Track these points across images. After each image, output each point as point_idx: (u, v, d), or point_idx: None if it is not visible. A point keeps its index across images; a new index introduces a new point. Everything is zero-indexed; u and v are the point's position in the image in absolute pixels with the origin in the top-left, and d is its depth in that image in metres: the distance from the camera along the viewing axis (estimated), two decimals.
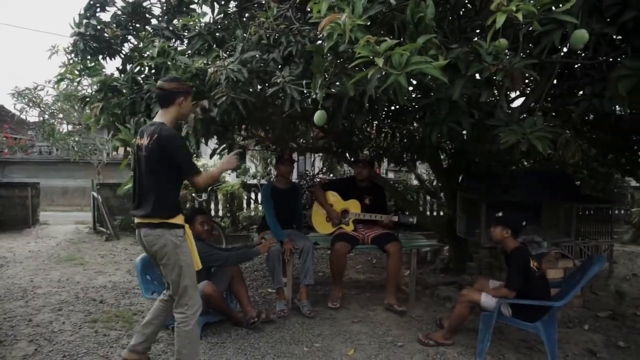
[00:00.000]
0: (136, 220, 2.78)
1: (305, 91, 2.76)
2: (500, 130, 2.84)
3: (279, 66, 3.17)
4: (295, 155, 5.73)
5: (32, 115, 22.82)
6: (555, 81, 3.78)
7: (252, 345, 3.49)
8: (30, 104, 14.65)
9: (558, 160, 5.73)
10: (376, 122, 5.10)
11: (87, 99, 4.30)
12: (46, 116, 15.23)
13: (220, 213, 9.00)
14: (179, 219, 2.73)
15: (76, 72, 4.22)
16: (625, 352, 3.49)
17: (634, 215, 9.56)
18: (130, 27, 4.73)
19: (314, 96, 2.53)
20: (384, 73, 1.88)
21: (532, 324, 3.16)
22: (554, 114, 4.55)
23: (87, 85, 5.04)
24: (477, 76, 2.63)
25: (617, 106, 3.38)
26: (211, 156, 5.21)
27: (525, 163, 6.19)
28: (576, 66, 3.58)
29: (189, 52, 3.86)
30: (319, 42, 2.79)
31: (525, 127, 2.85)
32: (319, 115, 2.55)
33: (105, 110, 3.94)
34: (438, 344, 3.50)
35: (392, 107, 4.51)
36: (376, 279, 5.67)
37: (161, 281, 3.94)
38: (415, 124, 4.69)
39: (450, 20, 2.49)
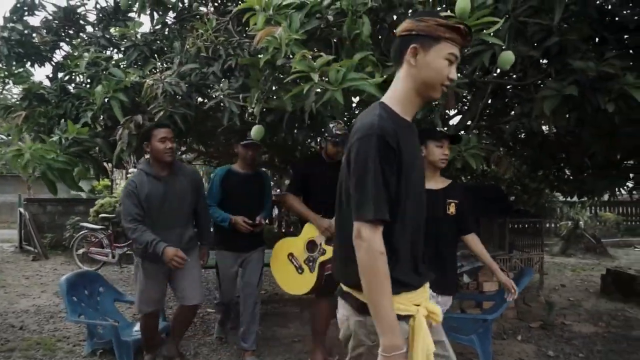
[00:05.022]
0: None
1: (244, 105, 2.71)
2: None
3: (219, 79, 3.10)
4: None
5: None
6: (489, 100, 3.97)
7: None
8: None
9: (493, 176, 6.01)
10: (319, 137, 5.11)
11: (12, 108, 4.01)
12: None
13: None
14: None
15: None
16: None
17: (563, 228, 10.17)
18: (63, 34, 4.49)
19: (250, 110, 2.48)
20: (320, 89, 1.87)
21: (467, 337, 3.23)
22: (488, 132, 4.76)
23: (16, 94, 4.73)
24: None
25: (544, 125, 3.60)
26: None
27: (463, 178, 6.42)
28: (508, 87, 3.77)
29: (125, 62, 3.71)
30: (259, 55, 2.76)
31: (460, 145, 2.96)
32: (256, 130, 2.51)
33: (30, 119, 3.68)
34: None
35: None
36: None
37: (89, 302, 3.70)
38: None
39: (387, 38, 2.55)
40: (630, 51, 3.03)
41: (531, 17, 2.30)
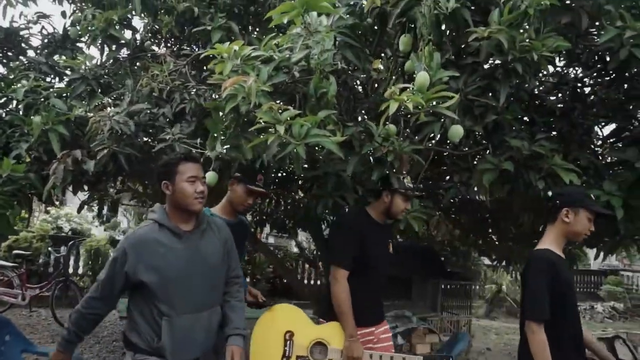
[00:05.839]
0: None
1: (194, 150, 2.67)
2: None
3: (168, 120, 3.04)
4: None
5: None
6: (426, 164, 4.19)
7: None
8: None
9: (426, 237, 6.22)
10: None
11: None
12: None
13: (81, 271, 8.01)
14: None
15: None
16: None
17: (487, 291, 10.63)
18: (0, 55, 4.25)
19: (208, 154, 2.44)
20: (283, 141, 1.90)
21: None
22: (426, 195, 4.97)
23: None
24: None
25: (479, 194, 3.83)
26: (79, 209, 4.67)
27: (399, 237, 6.60)
28: (445, 154, 4.01)
29: (67, 93, 3.54)
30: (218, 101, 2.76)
31: None
32: (210, 176, 2.47)
33: None
34: None
35: (279, 174, 4.56)
36: None
37: None
38: (300, 193, 4.77)
39: (346, 99, 2.66)
40: (557, 134, 3.36)
41: (478, 96, 2.50)
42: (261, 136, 1.99)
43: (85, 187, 3.81)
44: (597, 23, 2.91)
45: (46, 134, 3.03)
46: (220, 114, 2.28)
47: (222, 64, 2.15)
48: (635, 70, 3.04)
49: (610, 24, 2.55)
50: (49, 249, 7.47)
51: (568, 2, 2.62)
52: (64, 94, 3.54)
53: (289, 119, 1.91)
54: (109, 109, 2.91)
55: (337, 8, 2.30)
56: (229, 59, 2.14)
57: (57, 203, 7.40)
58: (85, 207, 4.58)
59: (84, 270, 7.98)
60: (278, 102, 2.04)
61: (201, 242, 2.08)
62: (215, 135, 2.36)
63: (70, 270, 7.75)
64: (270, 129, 1.92)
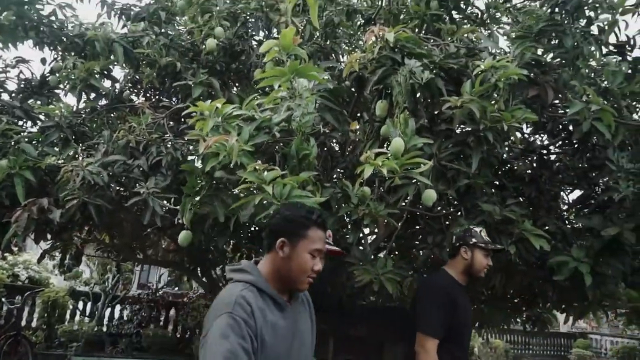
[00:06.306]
0: None
1: (168, 206, 2.63)
2: (355, 268, 2.99)
3: (143, 172, 3.00)
4: (139, 267, 5.21)
5: None
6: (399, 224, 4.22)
7: None
8: None
9: (398, 297, 6.14)
10: (234, 240, 5.00)
11: None
12: None
13: (34, 324, 7.49)
14: None
15: None
16: None
17: None
18: None
19: (179, 219, 2.40)
20: (266, 201, 1.90)
21: None
22: (399, 256, 4.97)
23: None
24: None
25: None
26: (40, 259, 4.47)
27: (372, 298, 6.50)
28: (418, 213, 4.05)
29: (40, 139, 3.48)
30: (192, 157, 2.75)
31: (377, 268, 3.04)
32: (184, 236, 2.43)
33: None
34: None
35: (252, 228, 4.49)
36: None
37: None
38: None
39: (324, 159, 2.70)
40: (526, 199, 3.46)
41: (451, 161, 2.58)
42: (241, 195, 1.99)
43: (49, 236, 3.67)
44: (560, 95, 3.10)
45: (11, 179, 2.93)
46: (196, 176, 2.28)
47: (203, 121, 2.17)
48: (597, 140, 3.22)
49: (575, 98, 2.71)
50: (2, 299, 7.01)
51: (534, 77, 2.78)
52: (36, 140, 3.48)
53: (273, 179, 1.92)
54: (81, 158, 2.86)
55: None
56: (210, 116, 2.16)
57: (15, 250, 7.06)
58: (47, 257, 4.37)
59: (38, 323, 7.45)
60: (258, 161, 2.05)
61: (299, 317, 1.71)
62: (189, 200, 2.34)
63: (23, 323, 7.25)
64: (252, 189, 1.93)
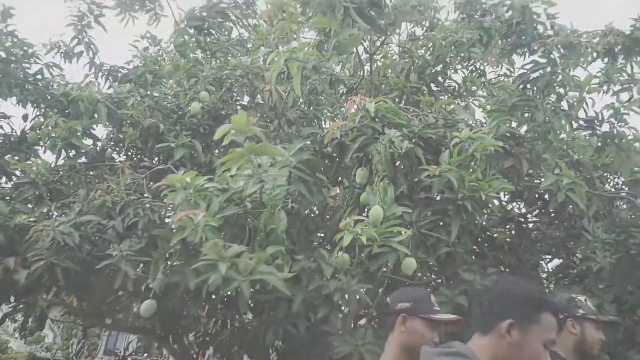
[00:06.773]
0: None
1: (140, 271, 2.54)
2: (334, 338, 2.88)
3: (118, 234, 2.91)
4: (107, 332, 4.94)
5: None
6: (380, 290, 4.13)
7: None
8: None
9: None
10: (209, 305, 4.81)
11: None
12: None
13: None
14: None
15: None
16: None
17: None
18: None
19: (150, 284, 2.31)
20: (228, 277, 1.84)
21: None
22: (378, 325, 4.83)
23: None
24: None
25: None
26: (0, 322, 4.21)
27: None
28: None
29: (13, 196, 3.39)
30: (169, 220, 2.70)
31: (357, 339, 2.93)
32: (148, 306, 2.32)
33: None
34: None
35: (228, 293, 4.34)
36: None
37: None
38: (250, 316, 4.53)
39: (298, 230, 2.67)
40: (507, 268, 3.45)
41: (431, 230, 2.58)
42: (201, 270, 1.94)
43: (12, 299, 3.48)
44: (534, 167, 3.19)
45: None
46: (167, 242, 2.23)
47: (175, 193, 2.15)
48: (573, 210, 3.28)
49: (549, 171, 2.79)
50: None
51: (510, 148, 2.87)
52: (9, 197, 3.39)
53: (235, 256, 1.88)
54: (54, 217, 2.78)
55: (291, 144, 2.41)
56: (181, 189, 2.14)
57: None
58: (8, 320, 4.12)
59: None
60: (226, 234, 2.02)
61: None
62: (159, 265, 2.27)
63: None
64: (214, 265, 1.88)
